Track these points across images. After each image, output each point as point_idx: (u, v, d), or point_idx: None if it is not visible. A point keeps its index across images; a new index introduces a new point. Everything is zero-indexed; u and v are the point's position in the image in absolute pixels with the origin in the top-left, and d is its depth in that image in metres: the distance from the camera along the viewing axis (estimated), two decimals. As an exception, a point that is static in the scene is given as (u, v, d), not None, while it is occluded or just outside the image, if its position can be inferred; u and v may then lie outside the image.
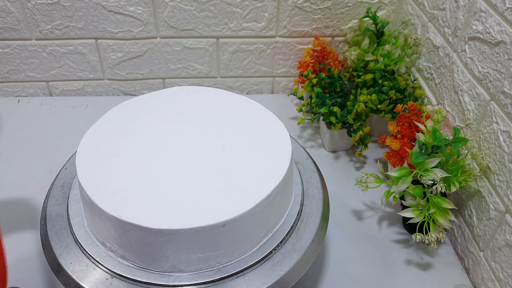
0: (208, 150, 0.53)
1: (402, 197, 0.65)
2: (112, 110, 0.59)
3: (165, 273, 0.47)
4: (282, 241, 0.52)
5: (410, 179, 0.62)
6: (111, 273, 0.48)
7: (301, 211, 0.56)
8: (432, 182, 0.59)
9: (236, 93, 0.64)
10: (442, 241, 0.67)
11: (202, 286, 0.47)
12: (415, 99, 0.78)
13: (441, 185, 0.59)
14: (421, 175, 0.60)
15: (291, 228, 0.53)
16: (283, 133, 0.56)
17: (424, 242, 0.60)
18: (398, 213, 0.64)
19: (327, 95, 0.80)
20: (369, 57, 0.82)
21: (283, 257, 0.50)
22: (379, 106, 0.77)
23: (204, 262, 0.48)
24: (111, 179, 0.49)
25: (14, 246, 0.65)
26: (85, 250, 0.50)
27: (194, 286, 0.47)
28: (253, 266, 0.49)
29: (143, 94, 0.64)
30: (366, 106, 0.76)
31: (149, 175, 0.50)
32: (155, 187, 0.48)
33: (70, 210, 0.54)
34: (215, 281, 0.47)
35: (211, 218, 0.45)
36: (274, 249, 0.51)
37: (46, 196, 0.58)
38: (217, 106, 0.60)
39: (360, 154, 0.81)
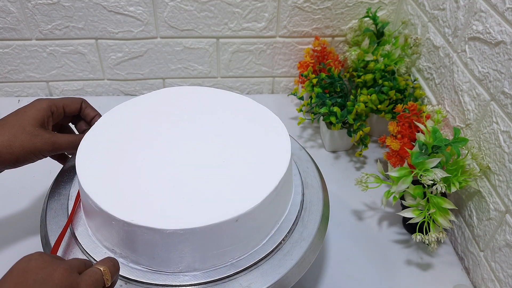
0: (210, 149, 0.53)
1: (402, 197, 0.65)
2: (111, 111, 0.59)
3: (180, 274, 0.47)
4: (290, 231, 0.52)
5: (410, 179, 0.62)
6: (125, 279, 0.47)
7: (303, 201, 0.57)
8: (432, 182, 0.59)
9: (236, 93, 0.64)
10: (442, 241, 0.67)
11: (218, 282, 0.47)
12: (415, 99, 0.78)
13: (441, 185, 0.59)
14: (421, 175, 0.60)
15: (296, 217, 0.54)
16: (280, 128, 0.57)
17: (424, 242, 0.60)
18: (398, 213, 0.64)
19: (327, 95, 0.80)
20: (369, 57, 0.82)
21: (293, 246, 0.51)
22: (379, 106, 0.77)
23: (218, 258, 0.48)
24: (117, 183, 0.49)
25: (15, 248, 0.65)
26: (94, 259, 0.49)
27: (210, 284, 0.47)
28: (266, 258, 0.50)
29: (143, 94, 0.63)
30: (366, 106, 0.76)
31: (154, 176, 0.49)
32: (162, 188, 0.48)
33: (70, 212, 0.54)
34: (230, 276, 0.48)
35: (224, 214, 0.45)
36: (283, 239, 0.51)
37: (46, 197, 0.58)
38: (216, 106, 0.60)
39: (360, 154, 0.81)
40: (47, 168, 0.76)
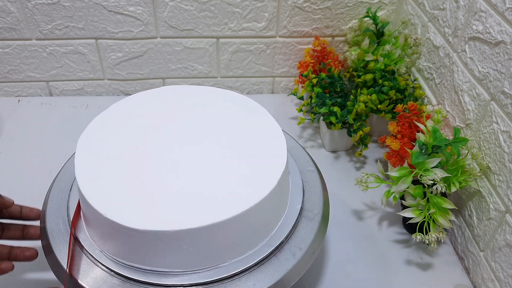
0: (204, 150, 0.53)
1: (402, 197, 0.65)
2: (108, 110, 0.59)
3: (168, 273, 0.47)
4: (290, 232, 0.52)
5: (410, 179, 0.62)
6: (112, 273, 0.48)
7: (303, 201, 0.56)
8: (432, 182, 0.59)
9: (234, 92, 0.63)
10: (442, 241, 0.67)
11: (216, 283, 0.47)
12: (415, 99, 0.78)
13: (441, 185, 0.59)
14: (421, 175, 0.60)
15: (296, 218, 0.54)
16: (276, 130, 0.56)
17: (424, 242, 0.60)
18: (398, 213, 0.64)
19: (327, 95, 0.80)
20: (369, 57, 0.82)
21: (284, 257, 0.51)
22: (379, 106, 0.77)
23: (215, 259, 0.48)
24: (111, 183, 0.49)
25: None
26: (86, 250, 0.49)
27: (209, 285, 0.47)
28: (254, 267, 0.49)
29: (143, 94, 0.64)
30: (366, 106, 0.76)
31: (148, 177, 0.49)
32: (155, 188, 0.48)
33: (70, 212, 0.54)
34: (228, 277, 0.48)
35: (218, 215, 0.45)
36: (283, 240, 0.51)
37: (46, 197, 0.58)
38: (213, 105, 0.60)
39: (360, 154, 0.81)
40: (47, 168, 0.76)
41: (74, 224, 0.52)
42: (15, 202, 0.56)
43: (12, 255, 0.54)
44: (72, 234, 0.51)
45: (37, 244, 0.54)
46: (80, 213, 0.53)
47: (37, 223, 0.56)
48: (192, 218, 0.45)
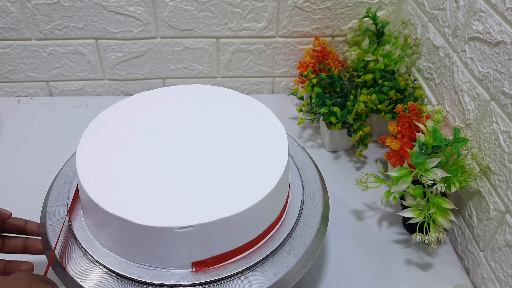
0: (205, 149, 0.53)
1: (402, 197, 0.65)
2: (109, 109, 0.59)
3: (172, 271, 0.47)
4: (290, 231, 0.52)
5: (410, 179, 0.62)
6: (111, 273, 0.48)
7: (303, 201, 0.56)
8: (432, 182, 0.59)
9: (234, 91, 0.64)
10: (442, 241, 0.67)
11: (217, 283, 0.47)
12: (415, 99, 0.78)
13: (441, 185, 0.59)
14: (421, 175, 0.60)
15: (296, 218, 0.54)
16: (279, 130, 0.56)
17: (424, 242, 0.60)
18: (398, 213, 0.64)
19: (327, 95, 0.80)
20: (369, 57, 0.82)
21: (293, 247, 0.51)
22: (379, 106, 0.77)
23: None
24: (113, 179, 0.49)
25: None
26: (85, 250, 0.50)
27: (209, 284, 0.47)
28: (266, 258, 0.49)
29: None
30: (366, 106, 0.76)
31: (149, 174, 0.50)
32: (156, 185, 0.48)
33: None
34: (230, 276, 0.48)
35: (210, 216, 0.45)
36: (284, 239, 0.51)
37: (46, 197, 0.58)
38: (213, 104, 0.60)
39: (360, 154, 0.81)
40: (47, 168, 0.76)
41: (70, 211, 0.52)
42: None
43: (8, 270, 0.51)
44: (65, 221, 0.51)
45: (35, 257, 0.53)
46: (75, 203, 0.54)
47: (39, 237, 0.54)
48: (191, 216, 0.45)
